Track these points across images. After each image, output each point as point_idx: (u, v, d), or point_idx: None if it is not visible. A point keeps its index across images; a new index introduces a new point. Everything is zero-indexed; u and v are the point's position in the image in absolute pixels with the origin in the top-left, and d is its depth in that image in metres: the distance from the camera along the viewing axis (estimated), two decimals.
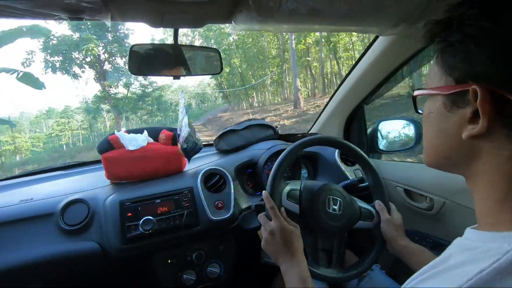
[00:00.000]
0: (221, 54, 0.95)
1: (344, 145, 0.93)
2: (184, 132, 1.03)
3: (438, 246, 0.98)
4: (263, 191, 0.79)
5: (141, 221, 0.92)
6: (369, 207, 0.91)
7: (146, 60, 0.82)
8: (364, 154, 0.94)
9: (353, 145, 0.93)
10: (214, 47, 1.08)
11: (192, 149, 1.06)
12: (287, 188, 0.85)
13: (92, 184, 1.07)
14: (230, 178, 1.08)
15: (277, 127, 1.41)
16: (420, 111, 0.46)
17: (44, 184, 1.13)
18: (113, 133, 1.06)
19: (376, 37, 1.06)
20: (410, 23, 0.77)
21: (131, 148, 1.03)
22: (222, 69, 0.92)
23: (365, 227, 0.89)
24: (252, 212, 1.08)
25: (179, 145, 1.06)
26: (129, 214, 0.93)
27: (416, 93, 0.45)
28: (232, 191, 1.06)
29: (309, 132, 1.53)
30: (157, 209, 0.96)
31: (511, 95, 0.30)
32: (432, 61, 0.41)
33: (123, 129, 1.07)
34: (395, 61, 1.07)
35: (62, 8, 0.55)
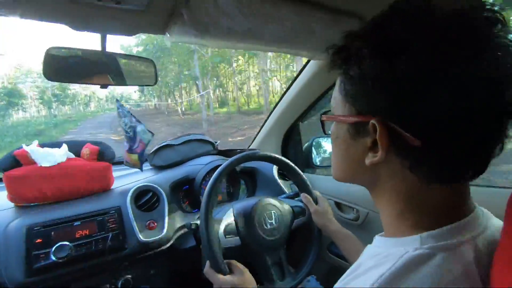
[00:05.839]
0: None
1: (275, 158, 0.98)
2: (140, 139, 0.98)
3: None
4: (205, 269, 0.79)
5: (53, 248, 0.80)
6: (300, 204, 0.97)
7: (66, 65, 0.73)
8: (288, 161, 1.00)
9: (281, 157, 0.99)
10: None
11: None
12: (222, 225, 0.86)
13: None
14: (164, 196, 1.02)
15: (216, 142, 1.40)
16: (329, 133, 0.48)
17: None
18: (21, 147, 0.91)
19: (309, 60, 1.14)
20: None
21: (45, 164, 0.89)
22: (156, 81, 0.88)
23: (301, 224, 0.94)
24: (188, 231, 1.03)
25: (134, 156, 0.97)
26: (38, 241, 0.80)
27: (324, 117, 0.48)
28: (166, 209, 1.00)
29: (249, 148, 1.55)
30: (76, 232, 0.85)
31: (403, 129, 0.33)
32: (335, 87, 0.42)
33: (35, 142, 0.92)
34: (326, 84, 1.17)
35: None
